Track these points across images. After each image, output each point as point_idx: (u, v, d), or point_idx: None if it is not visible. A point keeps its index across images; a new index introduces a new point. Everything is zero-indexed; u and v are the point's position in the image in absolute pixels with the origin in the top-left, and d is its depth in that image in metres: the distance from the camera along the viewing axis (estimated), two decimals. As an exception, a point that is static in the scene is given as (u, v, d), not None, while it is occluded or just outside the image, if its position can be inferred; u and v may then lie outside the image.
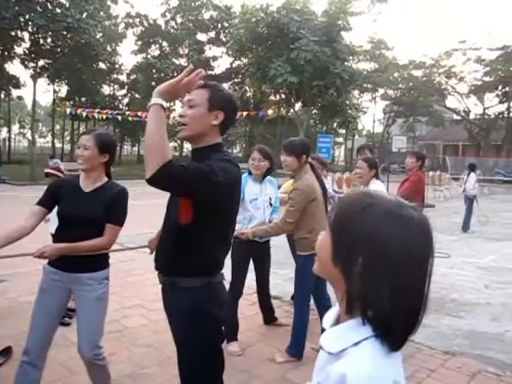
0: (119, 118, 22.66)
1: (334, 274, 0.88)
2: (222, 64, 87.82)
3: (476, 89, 36.10)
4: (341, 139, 47.27)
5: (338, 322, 0.93)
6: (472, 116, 39.10)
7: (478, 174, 12.12)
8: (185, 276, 1.87)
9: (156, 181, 1.61)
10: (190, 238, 1.85)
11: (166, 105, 1.68)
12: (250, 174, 3.80)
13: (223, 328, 2.02)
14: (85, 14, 20.79)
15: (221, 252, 1.96)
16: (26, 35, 23.00)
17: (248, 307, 4.45)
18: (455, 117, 41.35)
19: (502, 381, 3.33)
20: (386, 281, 0.81)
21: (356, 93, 37.77)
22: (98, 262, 2.42)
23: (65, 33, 20.90)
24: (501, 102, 36.39)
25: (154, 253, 2.08)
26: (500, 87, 35.03)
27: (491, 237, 9.65)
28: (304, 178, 3.27)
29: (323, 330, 0.94)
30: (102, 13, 23.89)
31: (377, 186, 4.03)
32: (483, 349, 3.86)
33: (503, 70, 32.71)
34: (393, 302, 0.80)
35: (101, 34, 24.18)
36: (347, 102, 30.32)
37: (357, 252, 0.83)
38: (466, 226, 10.32)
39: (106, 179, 2.49)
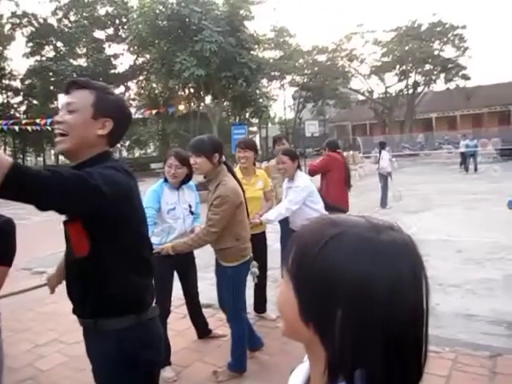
0: (16, 128, 20.68)
1: (307, 337, 0.63)
2: (124, 62, 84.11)
3: (376, 69, 38.23)
4: (255, 128, 47.59)
5: None
6: (375, 96, 41.31)
7: (387, 150, 12.60)
8: (108, 317, 1.52)
9: (10, 191, 1.16)
10: (98, 270, 1.49)
11: None
12: (165, 181, 3.38)
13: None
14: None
15: (143, 278, 1.62)
16: None
17: (179, 321, 4.11)
18: (360, 97, 43.35)
19: (442, 357, 3.34)
20: (377, 333, 0.58)
21: (265, 81, 38.12)
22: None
23: None
24: (400, 81, 38.85)
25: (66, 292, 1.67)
26: (397, 67, 37.34)
27: (408, 210, 10.04)
28: (225, 181, 2.88)
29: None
30: (-19, 13, 21.74)
31: (303, 179, 3.89)
32: (420, 327, 3.87)
33: (399, 50, 34.84)
34: (388, 357, 0.58)
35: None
36: (257, 92, 30.42)
37: (333, 302, 0.59)
38: (384, 203, 10.69)
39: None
